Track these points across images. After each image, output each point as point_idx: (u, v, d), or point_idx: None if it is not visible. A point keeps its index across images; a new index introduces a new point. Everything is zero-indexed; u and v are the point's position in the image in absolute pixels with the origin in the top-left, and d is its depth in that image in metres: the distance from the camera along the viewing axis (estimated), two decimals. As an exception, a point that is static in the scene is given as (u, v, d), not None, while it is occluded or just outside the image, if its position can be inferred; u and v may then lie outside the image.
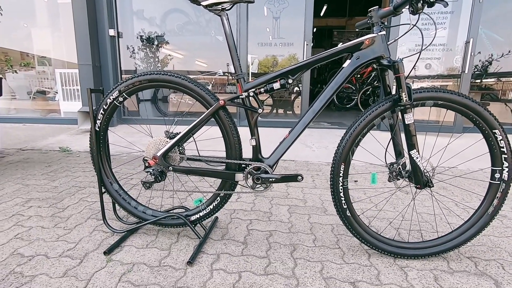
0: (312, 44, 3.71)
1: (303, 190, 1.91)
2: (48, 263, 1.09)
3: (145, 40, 4.38)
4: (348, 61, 1.07)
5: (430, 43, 1.13)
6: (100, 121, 1.22)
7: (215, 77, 4.44)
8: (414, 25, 1.05)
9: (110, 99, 1.19)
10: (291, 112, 4.36)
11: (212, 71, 4.45)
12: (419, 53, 1.09)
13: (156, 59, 4.56)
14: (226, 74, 4.33)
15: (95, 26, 3.68)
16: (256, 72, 4.03)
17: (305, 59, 1.20)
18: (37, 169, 2.25)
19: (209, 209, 1.25)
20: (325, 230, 1.39)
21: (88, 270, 1.05)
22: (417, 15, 0.99)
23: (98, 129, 1.23)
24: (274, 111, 4.40)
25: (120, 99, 1.20)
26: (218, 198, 1.24)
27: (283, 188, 1.94)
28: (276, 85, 1.10)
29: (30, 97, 4.72)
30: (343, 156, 1.10)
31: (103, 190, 1.30)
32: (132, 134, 3.47)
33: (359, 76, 6.01)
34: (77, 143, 3.12)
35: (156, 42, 4.40)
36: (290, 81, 1.10)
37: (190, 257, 1.11)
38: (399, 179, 1.16)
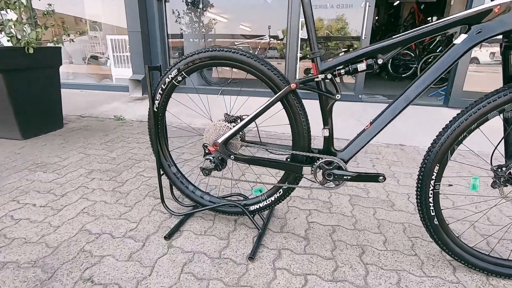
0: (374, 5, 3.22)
1: (363, 178, 1.73)
2: (113, 244, 1.11)
3: (190, 4, 4.21)
4: (463, 36, 0.83)
5: None
6: (158, 101, 1.14)
7: (262, 41, 4.22)
8: None
9: (168, 78, 1.10)
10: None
11: (255, 35, 4.21)
12: None
13: (201, 24, 4.40)
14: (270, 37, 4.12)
15: (142, -10, 3.57)
16: (305, 38, 3.69)
17: (398, 35, 0.96)
18: (96, 138, 2.35)
19: (270, 201, 1.16)
20: (395, 230, 1.24)
21: (151, 255, 1.05)
22: None
23: (156, 110, 1.16)
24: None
25: (179, 78, 1.09)
26: (281, 190, 1.13)
27: (340, 173, 1.78)
28: (362, 66, 0.91)
29: (85, 62, 4.96)
30: (439, 156, 0.90)
31: (161, 172, 1.27)
32: (177, 104, 3.46)
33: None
34: (129, 111, 3.20)
35: (201, 5, 4.21)
36: (380, 61, 0.89)
37: (251, 251, 1.05)
38: (507, 186, 0.94)
